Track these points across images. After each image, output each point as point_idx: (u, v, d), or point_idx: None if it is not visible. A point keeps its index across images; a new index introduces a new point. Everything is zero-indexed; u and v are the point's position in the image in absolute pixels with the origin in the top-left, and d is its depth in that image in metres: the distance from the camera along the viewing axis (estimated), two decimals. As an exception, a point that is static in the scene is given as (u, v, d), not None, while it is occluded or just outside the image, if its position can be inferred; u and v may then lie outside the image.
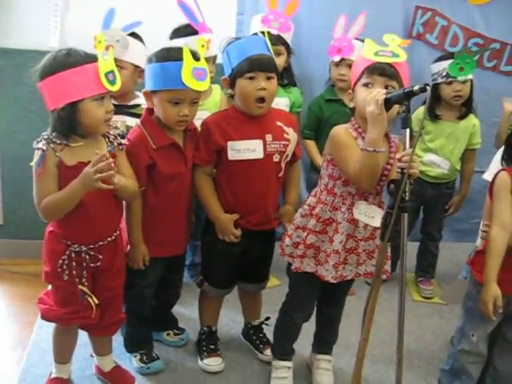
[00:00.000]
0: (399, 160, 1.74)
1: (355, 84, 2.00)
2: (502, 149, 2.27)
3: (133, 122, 2.31)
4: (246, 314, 2.61)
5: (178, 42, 2.38)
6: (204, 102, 2.70)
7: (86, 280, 1.99)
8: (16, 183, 3.23)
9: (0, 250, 3.29)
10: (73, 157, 1.86)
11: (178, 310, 2.66)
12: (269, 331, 2.52)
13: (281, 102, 2.87)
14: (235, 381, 2.37)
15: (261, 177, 2.17)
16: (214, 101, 2.78)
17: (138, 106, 2.49)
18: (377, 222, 2.00)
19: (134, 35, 2.52)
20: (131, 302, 2.30)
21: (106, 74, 1.81)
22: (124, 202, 2.10)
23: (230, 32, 3.18)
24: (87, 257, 1.97)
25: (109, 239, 2.01)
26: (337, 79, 3.01)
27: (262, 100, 2.11)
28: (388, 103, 1.81)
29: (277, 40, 2.78)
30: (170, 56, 2.03)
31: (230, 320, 2.74)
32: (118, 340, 2.36)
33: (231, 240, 2.23)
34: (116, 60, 1.94)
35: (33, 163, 1.83)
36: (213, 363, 2.41)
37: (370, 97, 1.84)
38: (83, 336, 2.23)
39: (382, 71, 1.93)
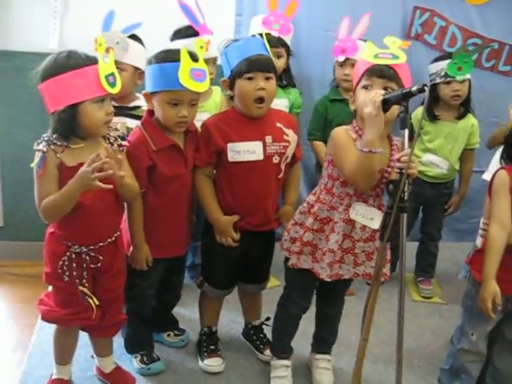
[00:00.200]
0: (398, 160, 1.75)
1: (356, 87, 2.01)
2: (501, 149, 2.29)
3: (133, 123, 2.31)
4: (246, 314, 2.62)
5: (178, 44, 2.39)
6: (204, 104, 2.71)
7: (86, 281, 2.00)
8: (16, 185, 3.23)
9: (0, 252, 3.29)
10: (73, 158, 1.87)
11: (178, 310, 2.67)
12: (269, 331, 2.52)
13: (280, 103, 2.87)
14: (236, 381, 2.38)
15: (260, 178, 2.17)
16: (215, 102, 2.78)
17: (139, 107, 2.49)
18: (376, 225, 2.02)
19: (133, 37, 2.53)
20: (132, 302, 2.30)
21: (107, 77, 1.82)
22: (125, 204, 2.10)
23: (228, 33, 3.19)
24: (87, 258, 1.98)
25: (109, 240, 2.02)
26: (341, 79, 3.01)
27: (261, 100, 2.11)
28: (386, 104, 1.82)
29: (277, 42, 2.79)
30: (168, 57, 2.04)
31: (231, 320, 2.75)
32: (118, 341, 2.37)
33: (229, 243, 2.23)
34: (116, 62, 1.95)
35: (33, 165, 1.85)
36: (213, 364, 2.42)
37: (367, 98, 1.85)
38: (84, 337, 2.23)
39: (380, 73, 1.94)
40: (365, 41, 2.65)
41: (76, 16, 3.11)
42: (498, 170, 2.05)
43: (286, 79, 3.02)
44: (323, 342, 2.42)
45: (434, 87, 2.96)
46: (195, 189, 2.23)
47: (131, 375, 2.30)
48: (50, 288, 2.09)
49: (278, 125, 2.20)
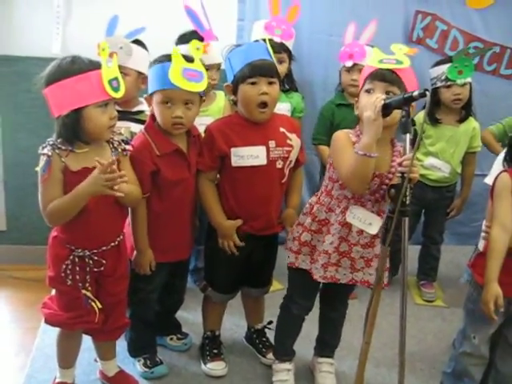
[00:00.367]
0: (399, 164, 1.76)
1: (360, 91, 2.03)
2: (501, 154, 2.29)
3: (137, 128, 2.33)
4: (249, 318, 2.62)
5: (182, 48, 2.40)
6: (208, 108, 2.73)
7: (89, 285, 2.00)
8: (19, 189, 3.25)
9: (3, 256, 3.30)
10: (78, 162, 1.88)
11: (181, 314, 2.67)
12: (271, 335, 2.53)
13: (282, 108, 2.88)
14: (238, 385, 2.39)
15: (264, 183, 2.18)
16: (218, 107, 2.79)
17: (142, 112, 2.50)
18: (374, 230, 2.03)
19: (137, 42, 2.54)
20: (136, 306, 2.31)
21: (110, 81, 1.83)
22: (129, 208, 2.11)
23: (230, 38, 3.20)
24: (90, 261, 1.98)
25: (112, 244, 2.03)
26: (348, 84, 3.00)
27: (264, 105, 2.12)
28: (388, 109, 1.83)
29: (279, 48, 2.80)
30: (163, 59, 2.06)
31: (233, 324, 2.75)
32: (121, 345, 2.37)
33: (231, 248, 2.24)
34: (120, 67, 1.96)
35: (38, 168, 1.86)
36: (216, 367, 2.42)
37: (368, 102, 1.87)
38: (87, 341, 2.24)
39: (382, 77, 1.95)
40: (372, 46, 2.65)
41: (79, 21, 3.13)
42: (500, 173, 2.05)
43: (288, 84, 3.03)
44: (326, 345, 2.42)
45: (435, 91, 2.97)
46: (198, 193, 2.24)
47: (134, 379, 2.31)
48: (54, 291, 2.10)
49: (282, 129, 2.20)
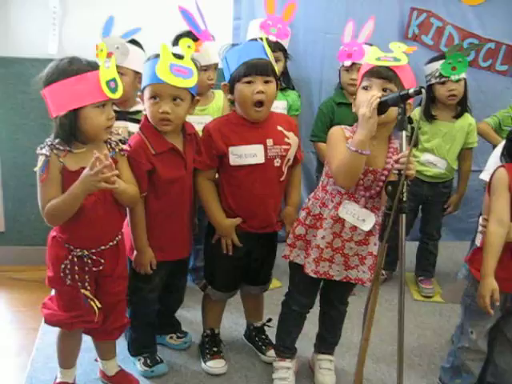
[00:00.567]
0: (396, 162, 1.77)
1: (357, 89, 2.05)
2: (496, 149, 2.30)
3: (134, 127, 2.34)
4: (248, 315, 2.63)
5: (177, 49, 2.40)
6: (207, 107, 2.74)
7: (88, 284, 2.01)
8: (17, 190, 3.25)
9: (2, 257, 3.31)
10: (76, 162, 1.89)
11: (180, 313, 2.68)
12: (271, 333, 2.54)
13: (278, 105, 2.88)
14: (238, 382, 2.39)
15: (262, 181, 2.19)
16: (217, 106, 2.80)
17: (140, 112, 2.50)
18: (367, 227, 2.04)
19: (133, 42, 2.55)
20: (135, 306, 2.32)
21: (108, 82, 1.84)
22: (127, 208, 2.12)
23: (226, 37, 3.21)
24: (89, 261, 1.99)
25: (111, 244, 2.04)
26: (348, 84, 2.99)
27: (259, 104, 2.12)
28: (384, 106, 1.84)
29: (275, 46, 2.79)
30: (155, 56, 2.08)
31: (233, 322, 2.76)
32: (121, 344, 2.38)
33: (228, 246, 2.25)
34: (116, 67, 1.96)
35: (36, 169, 1.87)
36: (216, 365, 2.43)
37: (365, 98, 1.88)
38: (87, 341, 2.25)
39: (379, 74, 1.97)
40: (370, 45, 2.66)
41: (75, 22, 3.13)
42: (497, 168, 2.06)
43: (284, 82, 3.03)
44: (326, 342, 2.43)
45: (430, 88, 2.97)
46: (197, 192, 2.25)
47: (135, 378, 2.32)
48: (53, 291, 2.11)
49: (279, 128, 2.21)
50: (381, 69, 1.97)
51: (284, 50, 2.94)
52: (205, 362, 2.45)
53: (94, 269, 2.01)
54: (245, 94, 2.11)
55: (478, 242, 2.28)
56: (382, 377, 2.48)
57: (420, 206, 3.24)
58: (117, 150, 2.00)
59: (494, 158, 2.31)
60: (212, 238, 2.29)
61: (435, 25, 3.56)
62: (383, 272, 3.05)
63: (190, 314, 2.80)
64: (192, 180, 2.23)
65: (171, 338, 2.59)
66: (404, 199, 1.72)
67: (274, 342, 2.48)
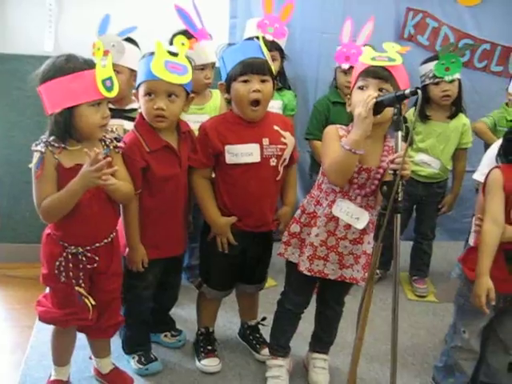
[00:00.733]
0: (391, 162, 1.78)
1: (352, 88, 2.05)
2: (490, 149, 2.31)
3: (130, 125, 2.33)
4: (242, 314, 2.63)
5: (174, 48, 2.40)
6: (204, 106, 2.75)
7: (82, 281, 2.01)
8: (12, 188, 3.25)
9: (-3, 254, 3.31)
10: (70, 159, 1.89)
11: (174, 311, 2.68)
12: (265, 331, 2.55)
13: (274, 105, 2.88)
14: (232, 381, 2.40)
15: (258, 180, 2.19)
16: (214, 105, 2.80)
17: (135, 110, 2.49)
18: (361, 225, 2.05)
19: (129, 40, 2.55)
20: (130, 304, 2.32)
21: (103, 81, 1.85)
22: (121, 206, 2.12)
23: (222, 35, 3.21)
24: (84, 258, 2.00)
25: (105, 241, 2.04)
26: (345, 86, 2.99)
27: (256, 103, 2.13)
28: (380, 106, 1.85)
29: (271, 46, 2.79)
30: (149, 54, 2.09)
31: (227, 321, 2.77)
32: (116, 342, 2.38)
33: (223, 245, 2.25)
34: (112, 65, 1.96)
35: (32, 165, 1.87)
36: (210, 364, 2.43)
37: (361, 98, 1.89)
38: (82, 338, 2.25)
39: (375, 74, 1.97)
40: (364, 45, 2.66)
41: (71, 19, 3.13)
42: (492, 169, 2.07)
43: (280, 82, 3.03)
44: (321, 341, 2.44)
45: (425, 88, 2.98)
46: (193, 190, 2.25)
47: (129, 375, 2.32)
48: (48, 289, 2.11)
49: (276, 127, 2.22)
50: (377, 69, 1.98)
51: (280, 50, 2.94)
52: (199, 361, 2.45)
53: (89, 266, 2.01)
54: (241, 92, 2.11)
55: (471, 242, 2.29)
56: (376, 376, 2.49)
57: (414, 206, 3.25)
58: (111, 147, 2.00)
59: (488, 158, 2.32)
60: (207, 236, 2.29)
61: (431, 25, 3.57)
62: (377, 271, 3.05)
63: (184, 312, 2.80)
64: (186, 178, 2.24)
65: (165, 336, 2.59)
66: (399, 199, 1.73)
67: (268, 340, 2.49)
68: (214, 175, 2.27)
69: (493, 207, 2.01)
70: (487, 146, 2.67)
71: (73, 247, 1.98)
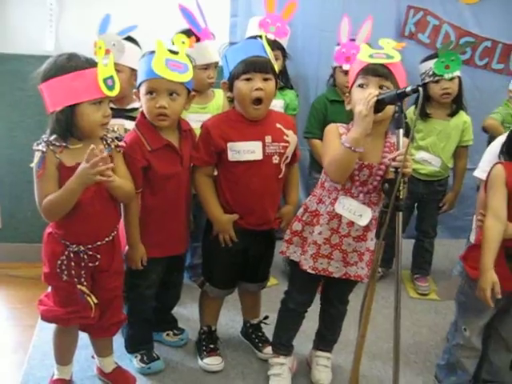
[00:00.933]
0: (393, 160, 1.78)
1: (351, 86, 2.04)
2: (491, 147, 2.31)
3: (131, 125, 2.32)
4: (245, 313, 2.64)
5: (174, 47, 2.40)
6: (207, 106, 2.75)
7: (84, 280, 2.02)
8: (14, 187, 3.25)
9: (-1, 254, 3.31)
10: (72, 158, 1.90)
11: (176, 310, 2.68)
12: (267, 330, 2.55)
13: (276, 104, 2.88)
14: (235, 379, 2.40)
15: (260, 178, 2.19)
16: (217, 104, 2.80)
17: (136, 109, 2.49)
18: (364, 222, 2.05)
19: (129, 39, 2.55)
20: (132, 303, 2.33)
21: (105, 80, 1.85)
22: (122, 204, 2.12)
23: (223, 34, 3.21)
24: (85, 257, 2.00)
25: (106, 239, 2.04)
26: (345, 86, 2.94)
27: (258, 101, 2.13)
28: (381, 104, 1.85)
29: (273, 45, 2.79)
30: (149, 53, 2.09)
31: (229, 319, 2.77)
32: (118, 341, 2.39)
33: (227, 242, 2.26)
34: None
35: (33, 164, 1.88)
36: (213, 362, 2.43)
37: (361, 96, 1.89)
38: (84, 338, 2.25)
39: (375, 72, 1.97)
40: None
41: (72, 18, 3.13)
42: (495, 165, 2.06)
43: (282, 81, 3.02)
44: (325, 340, 2.44)
45: (425, 86, 2.97)
46: (195, 188, 2.26)
47: (131, 374, 2.32)
48: (50, 288, 2.11)
49: (278, 125, 2.22)
50: (376, 66, 1.97)
51: (282, 49, 2.94)
52: (201, 359, 2.46)
53: (91, 264, 2.01)
54: (243, 91, 2.11)
55: (472, 240, 2.29)
56: (378, 374, 2.49)
57: (416, 204, 3.25)
58: (112, 146, 2.01)
59: (489, 154, 2.32)
60: (210, 234, 2.29)
61: (432, 23, 3.57)
62: (379, 270, 3.06)
63: (186, 311, 2.80)
64: (188, 176, 2.24)
65: (168, 334, 2.59)
66: (401, 197, 1.73)
67: (270, 339, 2.49)
68: (216, 173, 2.27)
69: (495, 203, 2.01)
70: (489, 143, 2.67)
71: (74, 246, 1.98)
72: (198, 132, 2.27)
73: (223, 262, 2.34)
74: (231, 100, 2.23)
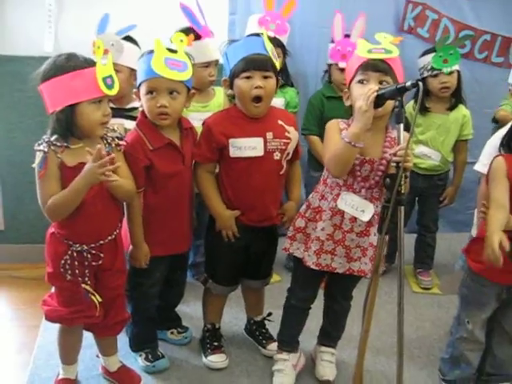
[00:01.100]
0: (394, 154, 1.78)
1: (350, 82, 2.04)
2: (491, 139, 2.31)
3: (131, 125, 2.34)
4: (248, 310, 2.64)
5: (172, 45, 2.41)
6: (208, 104, 2.75)
7: (88, 279, 2.03)
8: (15, 188, 3.25)
9: (2, 255, 3.31)
10: (73, 158, 1.90)
11: (180, 308, 2.68)
12: (271, 327, 2.56)
13: (276, 102, 2.87)
14: (239, 376, 2.41)
15: (261, 174, 2.19)
16: (218, 102, 2.80)
17: (136, 109, 2.50)
18: (366, 217, 2.05)
19: (128, 39, 2.55)
20: (136, 301, 2.33)
21: (104, 79, 1.86)
22: (125, 204, 2.13)
23: (221, 32, 3.20)
24: (89, 256, 2.01)
25: (109, 238, 2.05)
26: (341, 83, 2.94)
27: (258, 99, 2.13)
28: (381, 99, 1.85)
29: (273, 42, 2.79)
30: (148, 52, 2.09)
31: (233, 317, 2.77)
32: (123, 340, 2.39)
33: (230, 237, 2.26)
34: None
35: (35, 165, 1.88)
36: (217, 360, 2.44)
37: (362, 92, 1.89)
38: (89, 337, 2.26)
39: (375, 67, 1.97)
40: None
41: (71, 19, 3.12)
42: (496, 157, 2.06)
43: (282, 78, 3.01)
44: (329, 335, 2.44)
45: (424, 80, 2.96)
46: (197, 185, 2.26)
47: (136, 373, 2.33)
48: (53, 288, 2.12)
49: (280, 122, 2.22)
50: (376, 62, 1.97)
51: (282, 46, 2.94)
52: (206, 357, 2.46)
53: (94, 263, 2.02)
54: (243, 89, 2.12)
55: (473, 233, 2.29)
56: (382, 368, 2.49)
57: (416, 199, 3.25)
58: (113, 145, 2.01)
59: (489, 147, 2.32)
60: (213, 230, 2.29)
61: (431, 17, 3.56)
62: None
63: (190, 309, 2.81)
64: (190, 174, 2.25)
65: (172, 333, 2.60)
66: (403, 191, 1.73)
67: (274, 335, 2.49)
68: (217, 170, 2.27)
69: (497, 194, 2.00)
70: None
71: (77, 245, 1.99)
72: (199, 130, 2.27)
73: (226, 259, 2.34)
74: (231, 98, 2.23)
